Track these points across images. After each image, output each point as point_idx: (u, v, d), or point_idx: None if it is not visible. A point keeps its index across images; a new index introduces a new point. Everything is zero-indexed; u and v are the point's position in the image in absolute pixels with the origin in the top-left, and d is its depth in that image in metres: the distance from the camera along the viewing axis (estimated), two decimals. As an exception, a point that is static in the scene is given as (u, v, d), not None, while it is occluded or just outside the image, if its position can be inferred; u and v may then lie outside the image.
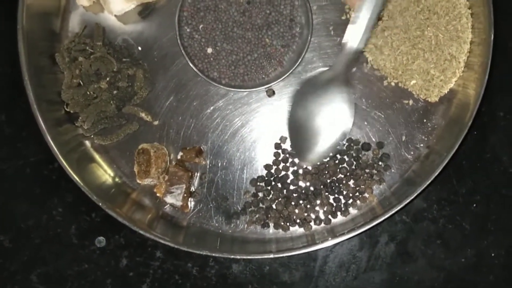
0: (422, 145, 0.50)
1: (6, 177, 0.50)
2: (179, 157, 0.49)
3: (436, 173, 0.45)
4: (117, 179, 0.49)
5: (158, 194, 0.48)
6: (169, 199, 0.48)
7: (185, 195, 0.48)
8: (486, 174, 0.52)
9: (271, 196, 0.48)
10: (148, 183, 0.48)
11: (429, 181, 0.45)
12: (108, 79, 0.48)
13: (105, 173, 0.49)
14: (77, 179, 0.45)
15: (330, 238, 0.45)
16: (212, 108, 0.50)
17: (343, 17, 0.50)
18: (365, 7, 0.42)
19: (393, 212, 0.45)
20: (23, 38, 0.45)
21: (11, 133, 0.50)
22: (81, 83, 0.48)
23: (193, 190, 0.49)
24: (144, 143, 0.48)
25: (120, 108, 0.49)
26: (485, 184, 0.52)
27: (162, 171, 0.47)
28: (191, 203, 0.49)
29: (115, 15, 0.49)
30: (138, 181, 0.48)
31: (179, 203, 0.48)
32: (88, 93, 0.48)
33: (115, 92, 0.48)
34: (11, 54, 0.47)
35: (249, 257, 0.45)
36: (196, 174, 0.49)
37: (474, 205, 0.52)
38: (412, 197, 0.45)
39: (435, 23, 0.49)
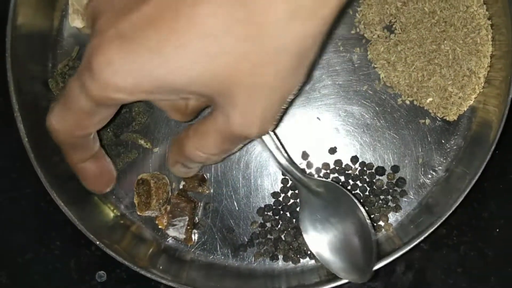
0: (441, 168, 0.46)
1: (1, 210, 0.48)
2: (181, 186, 0.46)
3: (459, 201, 0.42)
4: (115, 211, 0.46)
5: (160, 226, 0.46)
6: (171, 232, 0.45)
7: (188, 227, 0.45)
8: (510, 197, 0.48)
9: (279, 226, 0.45)
10: (149, 215, 0.46)
11: (451, 210, 0.42)
12: (104, 105, 0.45)
13: (103, 205, 0.46)
14: (72, 215, 0.42)
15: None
16: (214, 132, 0.47)
17: (353, 31, 0.47)
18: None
19: (412, 245, 0.41)
20: (12, 64, 0.42)
21: (5, 164, 0.48)
22: (76, 109, 0.46)
23: (197, 221, 0.46)
24: (144, 173, 0.46)
25: (118, 135, 0.46)
26: (509, 208, 0.48)
27: (163, 202, 0.45)
28: (195, 235, 0.46)
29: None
30: (138, 213, 0.45)
31: (182, 236, 0.45)
32: (83, 120, 0.46)
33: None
34: (1, 81, 0.44)
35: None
36: (199, 204, 0.46)
37: (497, 230, 0.48)
38: (434, 228, 0.41)
39: (452, 36, 0.45)
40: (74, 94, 0.33)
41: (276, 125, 0.36)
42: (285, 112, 0.40)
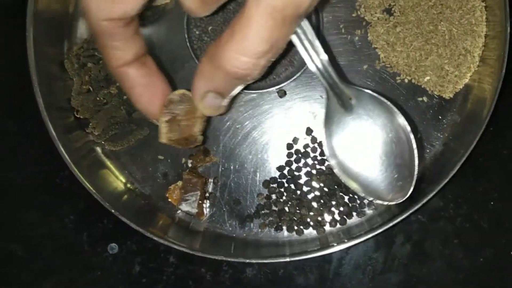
0: (438, 142, 0.48)
1: (17, 186, 0.49)
2: (190, 164, 0.48)
3: (454, 172, 0.44)
4: (129, 185, 0.49)
5: (171, 201, 0.48)
6: (184, 207, 0.47)
7: (200, 201, 0.47)
8: (503, 171, 0.51)
9: (284, 198, 0.48)
10: (176, 145, 0.39)
11: (446, 180, 0.44)
12: (117, 84, 0.47)
13: (117, 179, 0.48)
14: (89, 186, 0.44)
15: (346, 240, 0.44)
16: (222, 111, 0.49)
17: (354, 15, 0.49)
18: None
19: (410, 212, 0.44)
20: (32, 46, 0.45)
21: (21, 142, 0.50)
22: (91, 89, 0.48)
23: (207, 195, 0.48)
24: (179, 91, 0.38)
25: (131, 113, 0.48)
26: (503, 182, 0.50)
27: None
28: (206, 209, 0.48)
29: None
30: (160, 140, 0.39)
31: (194, 210, 0.47)
32: (98, 98, 0.48)
33: (125, 97, 0.48)
34: (19, 62, 0.46)
35: (263, 261, 0.44)
36: (209, 180, 0.48)
37: (492, 203, 0.50)
38: (430, 197, 0.44)
39: (448, 17, 0.47)
40: None
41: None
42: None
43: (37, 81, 0.45)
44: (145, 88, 0.34)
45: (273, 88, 0.48)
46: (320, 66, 0.37)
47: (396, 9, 0.49)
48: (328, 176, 0.47)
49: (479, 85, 0.48)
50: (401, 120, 0.38)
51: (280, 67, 0.49)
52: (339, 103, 0.38)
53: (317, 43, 0.36)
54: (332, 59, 0.49)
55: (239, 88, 0.33)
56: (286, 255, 0.45)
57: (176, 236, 0.46)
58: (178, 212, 0.48)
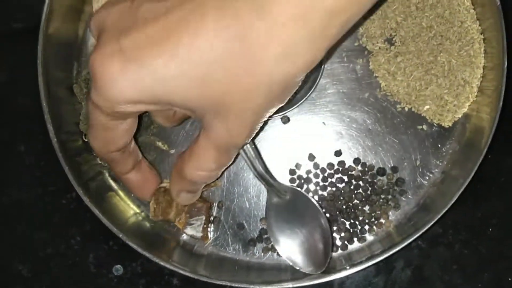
0: (437, 170, 0.50)
1: (25, 206, 0.50)
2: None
3: (453, 201, 0.45)
4: (135, 208, 0.50)
5: (176, 224, 0.49)
6: (189, 231, 0.48)
7: (205, 226, 0.48)
8: (502, 198, 0.52)
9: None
10: (162, 220, 0.48)
11: (446, 209, 0.45)
12: (125, 109, 0.49)
13: (123, 202, 0.49)
14: (95, 208, 0.45)
15: (348, 267, 0.45)
16: (227, 136, 0.50)
17: (356, 44, 0.51)
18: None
19: (411, 240, 0.45)
20: (43, 70, 0.46)
21: (31, 163, 0.51)
22: (99, 113, 0.49)
23: (212, 219, 0.49)
24: (167, 180, 0.48)
25: (137, 138, 0.49)
26: (501, 208, 0.52)
27: (178, 214, 0.47)
28: (211, 233, 0.49)
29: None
30: (151, 217, 0.48)
31: (199, 234, 0.48)
32: (105, 123, 0.49)
33: (132, 122, 0.49)
34: (29, 85, 0.47)
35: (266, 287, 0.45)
36: (214, 204, 0.49)
37: (490, 229, 0.51)
38: (430, 225, 0.45)
39: (447, 48, 0.49)
40: (92, 112, 0.36)
41: (255, 136, 0.39)
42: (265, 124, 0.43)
43: (47, 105, 0.46)
44: (141, 186, 0.45)
45: (277, 115, 0.50)
46: (260, 173, 0.46)
47: (397, 39, 0.50)
48: (330, 202, 0.48)
49: (478, 115, 0.49)
50: (322, 219, 0.46)
51: (284, 94, 0.50)
52: (277, 196, 0.47)
53: (255, 154, 0.45)
54: (335, 87, 0.51)
55: (202, 187, 0.44)
56: (288, 280, 0.45)
57: (180, 259, 0.47)
58: (183, 235, 0.49)
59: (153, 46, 0.31)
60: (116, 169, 0.43)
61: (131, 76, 0.32)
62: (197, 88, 0.32)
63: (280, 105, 0.36)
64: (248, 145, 0.44)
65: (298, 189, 0.47)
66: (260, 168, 0.45)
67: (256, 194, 0.50)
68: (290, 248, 0.46)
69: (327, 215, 0.48)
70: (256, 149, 0.45)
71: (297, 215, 0.47)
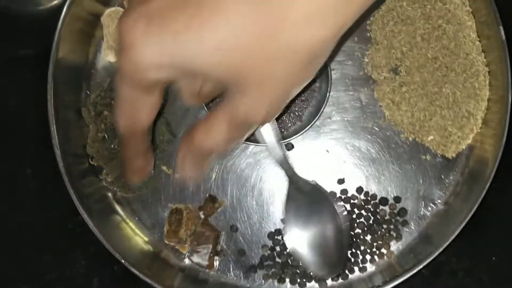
0: (440, 201, 0.50)
1: (31, 230, 0.51)
2: (202, 216, 0.50)
3: (456, 234, 0.45)
4: (139, 232, 0.50)
5: (182, 251, 0.49)
6: (195, 259, 0.48)
7: (211, 254, 0.48)
8: (505, 227, 0.52)
9: (288, 250, 0.49)
10: (175, 244, 0.49)
11: (449, 241, 0.45)
12: (132, 134, 0.49)
13: (127, 226, 0.50)
14: (99, 233, 0.46)
15: (348, 298, 0.45)
16: (231, 161, 0.51)
17: (361, 73, 0.51)
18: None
19: (412, 272, 0.45)
20: (53, 96, 0.47)
21: (37, 187, 0.51)
22: (106, 136, 0.50)
23: (219, 249, 0.50)
24: (179, 203, 0.50)
25: (142, 160, 0.50)
26: (504, 237, 0.51)
27: (190, 233, 0.48)
28: (216, 262, 0.49)
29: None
30: (165, 241, 0.49)
31: (205, 263, 0.48)
32: (112, 146, 0.50)
33: (138, 146, 0.50)
34: (38, 109, 0.48)
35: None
36: (222, 233, 0.50)
37: (493, 258, 0.51)
38: (432, 257, 0.45)
39: (452, 80, 0.49)
40: (118, 83, 0.35)
41: (278, 116, 0.37)
42: (288, 106, 0.42)
43: (55, 130, 0.47)
44: (141, 169, 0.44)
45: (281, 142, 0.50)
46: (279, 157, 0.43)
47: (402, 69, 0.51)
48: (332, 231, 0.49)
49: (482, 146, 0.49)
50: (338, 219, 0.44)
51: (288, 121, 0.51)
52: (296, 187, 0.45)
53: (277, 140, 0.42)
54: (339, 115, 0.51)
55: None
56: (288, 307, 0.46)
57: (183, 285, 0.48)
58: (186, 261, 0.49)
59: (175, 8, 0.31)
60: (129, 150, 0.42)
61: (154, 38, 0.31)
62: (217, 54, 0.31)
63: (305, 81, 0.34)
64: (270, 128, 0.42)
65: (318, 185, 0.45)
66: (281, 154, 0.43)
67: (259, 220, 0.50)
68: (298, 240, 0.44)
69: (329, 243, 0.49)
70: (278, 135, 0.43)
71: (313, 210, 0.45)
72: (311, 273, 0.47)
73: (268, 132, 0.42)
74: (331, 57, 0.49)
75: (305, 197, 0.45)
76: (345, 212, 0.44)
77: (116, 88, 0.36)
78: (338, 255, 0.44)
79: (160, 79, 0.34)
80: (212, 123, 0.36)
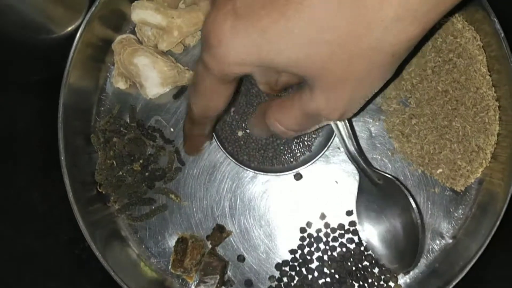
0: (448, 235, 0.50)
1: (37, 255, 0.50)
2: (209, 246, 0.49)
3: (465, 271, 0.45)
4: (145, 260, 0.50)
5: (188, 280, 0.49)
6: None
7: (218, 285, 0.48)
8: (513, 263, 0.52)
9: (295, 282, 0.49)
10: (181, 274, 0.49)
11: (458, 279, 0.45)
12: (141, 161, 0.49)
13: (134, 253, 0.50)
14: (105, 261, 0.46)
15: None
16: (240, 190, 0.50)
17: (371, 104, 0.51)
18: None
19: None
20: (63, 124, 0.47)
21: (44, 211, 0.51)
22: (114, 163, 0.50)
23: (226, 279, 0.49)
24: (185, 232, 0.49)
25: (151, 188, 0.50)
26: (513, 272, 0.51)
27: (196, 263, 0.48)
28: None
29: (150, 98, 0.51)
30: (171, 270, 0.48)
31: None
32: (120, 173, 0.50)
33: (146, 174, 0.50)
34: (46, 132, 0.48)
35: None
36: (230, 263, 0.49)
37: (504, 292, 0.51)
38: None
39: (462, 114, 0.49)
40: (199, 74, 0.36)
41: (354, 115, 0.37)
42: (365, 105, 0.42)
43: (65, 159, 0.47)
44: (197, 147, 0.49)
45: (291, 172, 0.50)
46: (352, 152, 0.45)
47: (412, 101, 0.51)
48: (340, 263, 0.48)
49: (491, 180, 0.49)
50: (413, 213, 0.44)
51: (297, 151, 0.51)
52: (369, 180, 0.46)
53: (351, 134, 0.43)
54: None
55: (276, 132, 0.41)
56: None
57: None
58: (191, 288, 0.50)
59: (263, 5, 0.31)
60: (197, 130, 0.44)
61: (241, 35, 0.31)
62: (304, 49, 0.31)
63: (384, 81, 0.34)
64: (343, 122, 0.43)
65: (393, 178, 0.46)
66: (353, 148, 0.44)
67: (266, 251, 0.50)
68: (372, 233, 0.46)
69: (336, 276, 0.48)
70: (351, 128, 0.44)
71: (387, 203, 0.46)
72: (383, 266, 0.48)
73: (341, 125, 0.43)
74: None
75: (378, 190, 0.46)
76: (336, 276, 0.47)
77: (196, 78, 0.37)
78: (410, 249, 0.44)
79: (240, 74, 0.34)
80: (287, 108, 0.37)
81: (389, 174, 0.46)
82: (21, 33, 0.43)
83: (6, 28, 0.42)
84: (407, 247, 0.44)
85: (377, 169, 0.46)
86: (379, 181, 0.46)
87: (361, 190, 0.46)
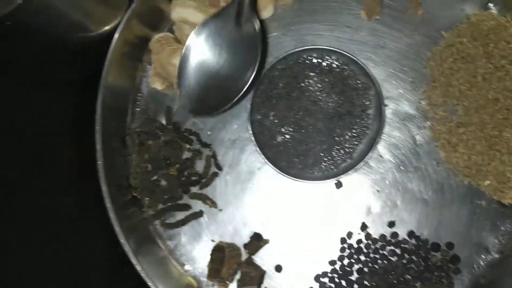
0: (494, 250, 0.48)
1: (70, 262, 0.49)
2: (246, 256, 0.48)
3: (514, 289, 0.43)
4: (180, 268, 0.49)
5: (222, 286, 0.48)
6: None
7: None
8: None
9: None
10: (217, 283, 0.47)
11: (506, 297, 0.43)
12: (177, 166, 0.48)
13: (168, 259, 0.48)
14: (140, 267, 0.45)
15: None
16: (278, 197, 0.49)
17: (416, 110, 0.49)
18: None
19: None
20: (101, 121, 0.45)
21: (77, 217, 0.50)
22: (149, 167, 0.48)
23: None
24: (221, 241, 0.48)
25: (186, 193, 0.49)
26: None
27: (233, 272, 0.47)
28: None
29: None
30: (207, 279, 0.47)
31: None
32: (156, 177, 0.48)
33: (183, 179, 0.48)
34: (80, 134, 0.47)
35: None
36: (266, 272, 0.48)
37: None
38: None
39: (514, 124, 0.47)
40: None
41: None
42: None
43: (102, 155, 0.45)
44: None
45: (331, 180, 0.48)
46: None
47: (460, 109, 0.48)
48: (381, 277, 0.47)
49: (541, 194, 0.47)
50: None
51: (338, 158, 0.49)
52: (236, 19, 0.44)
53: None
54: (391, 154, 0.49)
55: None
56: None
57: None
58: (227, 299, 0.48)
59: None
60: None
61: None
62: None
63: None
64: None
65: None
66: None
67: (304, 261, 0.48)
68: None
69: (378, 289, 0.47)
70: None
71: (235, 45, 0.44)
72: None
73: None
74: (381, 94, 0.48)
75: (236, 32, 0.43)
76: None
77: None
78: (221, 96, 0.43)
79: None
80: None
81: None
82: (59, 32, 0.42)
83: (44, 26, 0.40)
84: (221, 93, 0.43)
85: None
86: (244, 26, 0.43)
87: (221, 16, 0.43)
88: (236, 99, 0.44)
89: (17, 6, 0.35)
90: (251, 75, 0.43)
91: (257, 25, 0.43)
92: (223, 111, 0.45)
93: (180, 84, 0.44)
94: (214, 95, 0.44)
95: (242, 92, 0.44)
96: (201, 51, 0.44)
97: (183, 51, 0.43)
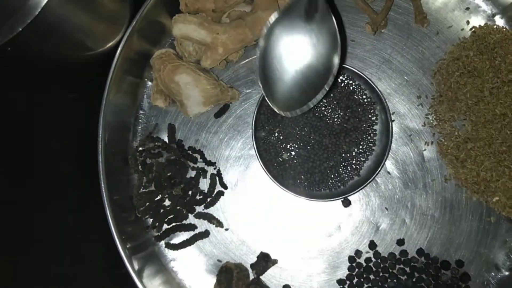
0: (504, 267, 0.47)
1: (73, 282, 0.48)
2: (253, 275, 0.47)
3: (527, 310, 0.43)
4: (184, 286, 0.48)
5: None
6: None
7: None
8: None
9: None
10: None
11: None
12: (182, 186, 0.47)
13: (173, 281, 0.47)
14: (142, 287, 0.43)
15: None
16: (284, 216, 0.48)
17: (423, 125, 0.49)
18: None
19: None
20: (103, 140, 0.44)
21: (80, 236, 0.48)
22: (153, 187, 0.47)
23: None
24: (229, 261, 0.47)
25: (191, 212, 0.47)
26: None
27: None
28: None
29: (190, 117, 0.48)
30: None
31: None
32: (160, 197, 0.47)
33: (187, 198, 0.47)
34: (82, 152, 0.46)
35: None
36: None
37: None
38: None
39: (522, 139, 0.47)
40: None
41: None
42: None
43: (104, 176, 0.44)
44: None
45: (338, 198, 0.47)
46: None
47: (467, 124, 0.48)
48: (391, 296, 0.46)
49: (550, 209, 0.47)
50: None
51: (345, 175, 0.48)
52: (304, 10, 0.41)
53: None
54: (399, 171, 0.48)
55: None
56: None
57: None
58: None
59: None
60: None
61: None
62: None
63: None
64: None
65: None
66: None
67: (313, 281, 0.47)
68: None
69: (387, 309, 0.46)
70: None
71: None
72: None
73: None
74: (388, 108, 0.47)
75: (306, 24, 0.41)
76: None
77: None
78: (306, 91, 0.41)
79: None
80: None
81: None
82: (61, 51, 0.40)
83: (46, 46, 0.39)
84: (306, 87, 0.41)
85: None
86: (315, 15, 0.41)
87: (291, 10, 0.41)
88: (327, 87, 0.41)
89: (18, 33, 0.33)
90: (336, 62, 0.41)
91: (329, 12, 0.41)
92: (316, 101, 0.41)
93: (265, 89, 0.41)
94: (302, 89, 0.42)
95: (332, 79, 0.41)
96: (277, 51, 0.42)
97: (257, 54, 0.41)
